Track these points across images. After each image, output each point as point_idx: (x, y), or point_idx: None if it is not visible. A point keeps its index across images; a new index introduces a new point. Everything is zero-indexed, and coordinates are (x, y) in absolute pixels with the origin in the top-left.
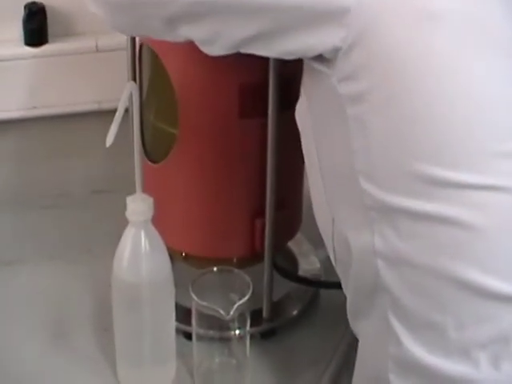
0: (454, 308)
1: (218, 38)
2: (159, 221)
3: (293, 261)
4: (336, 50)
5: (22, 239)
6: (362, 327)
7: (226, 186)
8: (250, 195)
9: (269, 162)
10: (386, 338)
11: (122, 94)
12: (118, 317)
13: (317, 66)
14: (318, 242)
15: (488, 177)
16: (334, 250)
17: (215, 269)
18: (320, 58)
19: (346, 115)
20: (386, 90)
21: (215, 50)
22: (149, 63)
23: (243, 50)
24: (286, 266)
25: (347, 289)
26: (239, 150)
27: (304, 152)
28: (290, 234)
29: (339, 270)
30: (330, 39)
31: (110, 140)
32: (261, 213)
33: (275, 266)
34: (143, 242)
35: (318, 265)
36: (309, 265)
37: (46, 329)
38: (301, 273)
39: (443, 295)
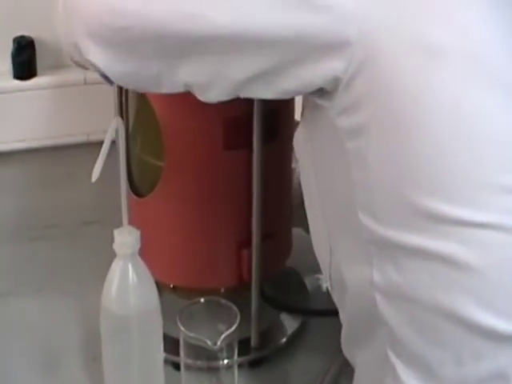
0: (451, 344)
1: (218, 81)
2: (147, 253)
3: (281, 289)
4: (336, 83)
5: (11, 271)
6: (359, 357)
7: (212, 217)
8: (236, 226)
9: (254, 192)
10: (383, 371)
11: (108, 129)
12: (107, 348)
13: (315, 99)
14: (305, 270)
15: (486, 213)
16: (330, 279)
17: (202, 300)
18: (319, 91)
19: (345, 148)
20: (385, 124)
21: (214, 95)
22: (135, 97)
23: (243, 94)
24: (274, 295)
25: (343, 317)
26: (225, 181)
27: (302, 181)
28: (279, 264)
29: (336, 298)
30: (331, 72)
31: (95, 175)
32: (247, 243)
33: (263, 295)
34: (131, 274)
35: (307, 291)
36: (297, 293)
37: (35, 359)
38: (289, 301)
39: (441, 331)
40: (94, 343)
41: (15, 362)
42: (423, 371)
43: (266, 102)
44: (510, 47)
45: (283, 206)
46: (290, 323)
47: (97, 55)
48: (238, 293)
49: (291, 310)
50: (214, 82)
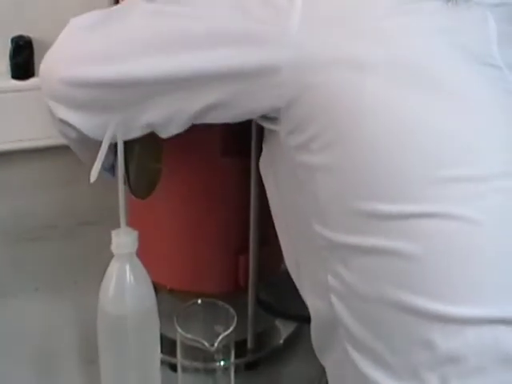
0: (400, 334)
1: (175, 117)
2: (145, 255)
3: (277, 294)
4: (277, 110)
5: (8, 271)
6: (328, 360)
7: (209, 222)
8: (233, 231)
9: (252, 199)
10: (347, 368)
11: (107, 131)
12: (104, 349)
13: (265, 124)
14: None
15: (423, 204)
16: (301, 289)
17: (200, 301)
18: (266, 117)
19: (296, 164)
20: (327, 138)
21: (174, 129)
22: None
23: (196, 122)
24: (269, 301)
25: (312, 324)
26: (222, 187)
27: (269, 201)
28: (274, 269)
29: (307, 301)
30: (268, 101)
31: (94, 176)
32: (244, 249)
33: (259, 300)
34: (128, 274)
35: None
36: (292, 298)
37: (32, 361)
38: (284, 307)
39: (390, 322)
40: (92, 344)
41: (12, 363)
42: (379, 362)
43: None
44: (442, 49)
45: None
46: (285, 326)
47: (65, 114)
48: (235, 296)
49: (286, 317)
50: (173, 118)
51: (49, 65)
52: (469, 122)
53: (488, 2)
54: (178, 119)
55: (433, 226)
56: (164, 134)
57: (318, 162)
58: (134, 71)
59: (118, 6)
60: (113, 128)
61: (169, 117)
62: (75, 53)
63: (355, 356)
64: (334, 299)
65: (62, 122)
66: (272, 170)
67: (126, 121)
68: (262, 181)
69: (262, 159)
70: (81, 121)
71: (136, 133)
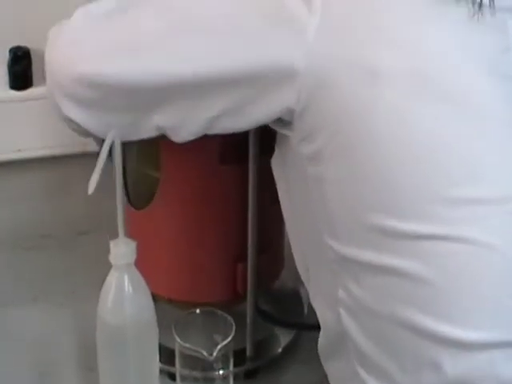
0: (409, 353)
1: (187, 122)
2: (143, 265)
3: (276, 301)
4: (291, 113)
5: (6, 280)
6: (332, 368)
7: (208, 231)
8: (232, 240)
9: (250, 206)
10: (352, 380)
11: (105, 141)
12: (103, 358)
13: (278, 129)
14: (301, 282)
15: (438, 225)
16: (311, 292)
17: (198, 310)
18: (280, 121)
19: (307, 174)
20: (339, 147)
21: (185, 134)
22: None
23: (210, 132)
24: (269, 309)
25: (321, 329)
26: (221, 195)
27: (281, 203)
28: (273, 277)
29: (316, 309)
30: (284, 103)
31: (91, 187)
32: (243, 257)
33: (258, 309)
34: (126, 285)
35: (302, 304)
36: (292, 304)
37: (32, 370)
38: (283, 315)
39: (399, 341)
40: (90, 353)
41: (11, 371)
42: (385, 379)
43: None
44: (461, 60)
45: (277, 220)
46: (284, 334)
47: (74, 113)
48: (234, 304)
49: (285, 325)
50: (184, 124)
51: (61, 58)
52: (485, 140)
53: (510, 6)
54: (190, 124)
55: (446, 248)
56: (176, 139)
57: (329, 173)
58: (160, 69)
59: None
60: (112, 135)
61: (180, 122)
62: (93, 49)
63: (361, 371)
64: (343, 313)
65: (68, 118)
66: (283, 172)
67: (136, 123)
68: (260, 188)
69: (273, 159)
70: (88, 120)
71: (146, 134)
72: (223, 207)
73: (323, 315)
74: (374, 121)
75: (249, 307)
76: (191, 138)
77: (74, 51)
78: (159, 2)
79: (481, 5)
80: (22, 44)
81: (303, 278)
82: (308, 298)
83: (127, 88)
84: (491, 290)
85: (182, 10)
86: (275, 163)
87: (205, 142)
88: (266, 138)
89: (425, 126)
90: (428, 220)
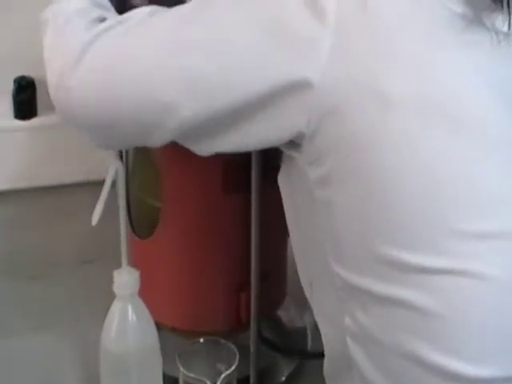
0: None
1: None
2: (146, 294)
3: (280, 329)
4: (301, 136)
5: (10, 309)
6: None
7: (211, 259)
8: (234, 268)
9: (253, 235)
10: None
11: (108, 173)
12: None
13: (286, 150)
14: (305, 305)
15: (446, 259)
16: (315, 312)
17: (202, 340)
18: (288, 142)
19: (314, 197)
20: (348, 173)
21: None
22: None
23: (221, 150)
24: (272, 338)
25: (326, 352)
26: (223, 224)
27: (287, 220)
28: (275, 305)
29: (321, 330)
30: (295, 126)
31: (95, 219)
32: (246, 285)
33: (261, 337)
34: (130, 314)
35: (305, 332)
36: (296, 331)
37: None
38: (287, 343)
39: (405, 374)
40: (94, 382)
41: None
42: None
43: None
44: (475, 87)
45: (280, 247)
46: (288, 362)
47: (85, 136)
48: (237, 333)
49: (289, 353)
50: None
51: (62, 88)
52: (498, 174)
53: None
54: (203, 147)
55: (453, 282)
56: (194, 150)
57: (337, 198)
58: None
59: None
60: (114, 169)
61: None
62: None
63: None
64: (349, 341)
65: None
66: (289, 192)
67: (150, 132)
68: (262, 216)
69: (280, 176)
70: (103, 140)
71: (160, 141)
72: (226, 236)
73: (327, 335)
74: (384, 148)
75: (252, 335)
76: (207, 155)
77: (78, 81)
78: (164, 27)
79: (508, 34)
80: (27, 74)
81: (306, 292)
82: (312, 326)
83: (136, 118)
84: (498, 325)
85: (187, 35)
86: (282, 180)
87: (207, 171)
88: (269, 166)
89: (436, 155)
90: (436, 253)
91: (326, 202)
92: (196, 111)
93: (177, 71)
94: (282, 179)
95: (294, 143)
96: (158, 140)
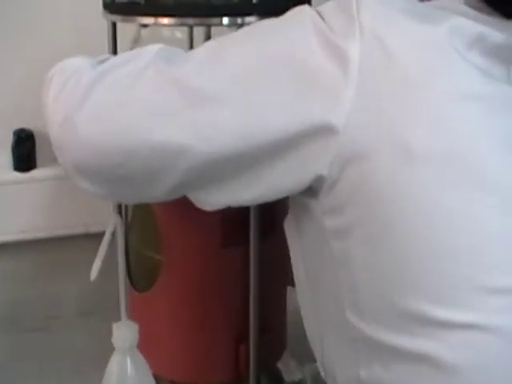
0: None
1: (212, 193)
2: (145, 347)
3: (279, 381)
4: (321, 182)
5: (10, 362)
6: None
7: (210, 313)
8: (234, 321)
9: (251, 288)
10: None
11: (107, 229)
12: None
13: (301, 198)
14: (304, 358)
15: (471, 314)
16: (323, 366)
17: None
18: (305, 190)
19: (330, 247)
20: (369, 228)
21: (209, 207)
22: None
23: (237, 203)
24: None
25: None
26: (222, 277)
27: (293, 268)
28: (275, 357)
29: (328, 382)
30: (318, 170)
31: (94, 274)
32: (245, 338)
33: None
34: (129, 367)
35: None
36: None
37: None
38: None
39: None
40: None
41: None
42: None
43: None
44: (502, 148)
45: (279, 300)
46: None
47: (85, 185)
48: None
49: None
50: (211, 193)
51: (68, 126)
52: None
53: None
54: (213, 200)
55: (479, 338)
56: (203, 206)
57: (357, 252)
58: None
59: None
60: (113, 224)
61: (206, 193)
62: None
63: None
64: None
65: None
66: (298, 239)
67: (154, 184)
68: (261, 269)
69: (286, 222)
70: (105, 192)
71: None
72: (225, 289)
73: None
74: (408, 203)
75: None
76: (219, 208)
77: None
78: (186, 76)
79: None
80: (26, 126)
81: (313, 344)
82: (311, 379)
83: (147, 168)
84: None
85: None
86: (288, 227)
87: (206, 225)
88: (268, 220)
89: (460, 211)
90: (461, 308)
91: (344, 252)
92: (211, 153)
93: (191, 119)
94: (289, 228)
95: (312, 190)
96: (164, 187)
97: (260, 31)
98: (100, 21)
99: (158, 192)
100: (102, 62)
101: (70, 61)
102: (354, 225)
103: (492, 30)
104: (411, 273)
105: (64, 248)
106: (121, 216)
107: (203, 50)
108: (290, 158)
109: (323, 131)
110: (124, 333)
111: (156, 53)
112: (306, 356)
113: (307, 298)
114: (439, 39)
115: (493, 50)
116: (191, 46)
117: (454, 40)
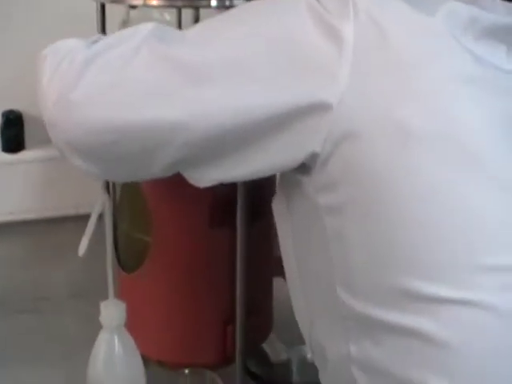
0: None
1: (208, 169)
2: (133, 327)
3: (265, 362)
4: (314, 158)
5: (2, 342)
6: None
7: (197, 294)
8: (221, 302)
9: (238, 269)
10: None
11: (95, 206)
12: None
13: (293, 175)
14: (290, 341)
15: (462, 291)
16: (311, 346)
17: (187, 371)
18: (298, 167)
19: (323, 224)
20: (362, 206)
21: (202, 183)
22: None
23: (231, 178)
24: (258, 371)
25: (325, 382)
26: (210, 258)
27: (281, 249)
28: (261, 338)
29: (317, 363)
30: (311, 146)
31: (82, 249)
32: (232, 319)
33: (247, 370)
34: (116, 346)
35: (291, 365)
36: (281, 365)
37: None
38: (272, 374)
39: None
40: None
41: None
42: None
43: (249, 183)
44: (492, 129)
45: (265, 282)
46: None
47: (79, 163)
48: (223, 366)
49: None
50: (207, 170)
51: (62, 105)
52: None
53: None
54: (211, 175)
55: (469, 314)
56: (193, 182)
57: (350, 228)
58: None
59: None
60: (101, 202)
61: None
62: (86, 93)
63: None
64: (355, 370)
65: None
66: (288, 217)
67: (150, 162)
68: (248, 250)
69: (275, 200)
70: (99, 171)
71: (159, 172)
72: (212, 270)
73: (331, 370)
74: (402, 182)
75: (238, 369)
76: (212, 183)
77: (76, 96)
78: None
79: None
80: (15, 108)
81: (302, 322)
82: (297, 360)
83: (141, 143)
84: None
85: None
86: (277, 205)
87: (194, 205)
88: (256, 202)
89: (453, 191)
90: (453, 285)
91: (338, 230)
92: (207, 130)
93: (185, 96)
94: (278, 206)
95: (305, 167)
96: (159, 164)
97: (254, 11)
98: (88, 2)
99: (154, 169)
100: (96, 41)
101: (64, 41)
102: (346, 202)
103: (485, 11)
104: (404, 250)
105: (53, 229)
106: (109, 194)
107: (197, 29)
108: (285, 134)
109: (317, 109)
110: (111, 311)
111: (149, 31)
112: (292, 339)
113: (296, 278)
114: (434, 23)
115: (488, 31)
116: (180, 28)
117: (449, 24)
